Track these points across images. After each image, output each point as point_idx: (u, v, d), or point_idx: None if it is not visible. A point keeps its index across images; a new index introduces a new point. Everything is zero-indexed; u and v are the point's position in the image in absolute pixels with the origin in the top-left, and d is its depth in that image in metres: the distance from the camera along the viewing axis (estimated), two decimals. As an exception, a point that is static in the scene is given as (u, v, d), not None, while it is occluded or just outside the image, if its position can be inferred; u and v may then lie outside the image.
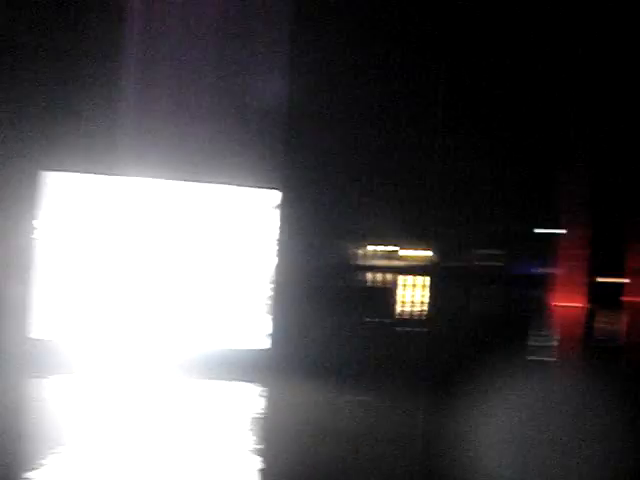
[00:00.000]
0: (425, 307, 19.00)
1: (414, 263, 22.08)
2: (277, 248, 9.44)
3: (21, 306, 8.79)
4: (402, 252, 22.31)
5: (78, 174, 8.97)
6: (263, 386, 8.74)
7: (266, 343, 9.33)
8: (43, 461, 5.72)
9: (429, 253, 21.34)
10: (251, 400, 8.27)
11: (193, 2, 11.38)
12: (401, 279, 22.11)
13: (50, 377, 8.31)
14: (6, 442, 6.26)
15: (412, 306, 18.91)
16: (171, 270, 9.06)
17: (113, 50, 11.15)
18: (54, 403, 7.62)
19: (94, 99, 11.01)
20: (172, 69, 11.09)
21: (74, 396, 7.94)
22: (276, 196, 9.43)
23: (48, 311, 8.76)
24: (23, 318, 8.75)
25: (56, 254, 8.80)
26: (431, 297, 20.40)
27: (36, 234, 8.74)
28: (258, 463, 6.16)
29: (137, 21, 11.13)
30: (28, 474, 5.49)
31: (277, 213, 9.42)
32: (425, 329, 15.37)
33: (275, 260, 9.42)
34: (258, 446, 6.66)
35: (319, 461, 6.17)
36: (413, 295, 21.23)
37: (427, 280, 21.82)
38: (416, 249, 22.04)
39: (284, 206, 9.54)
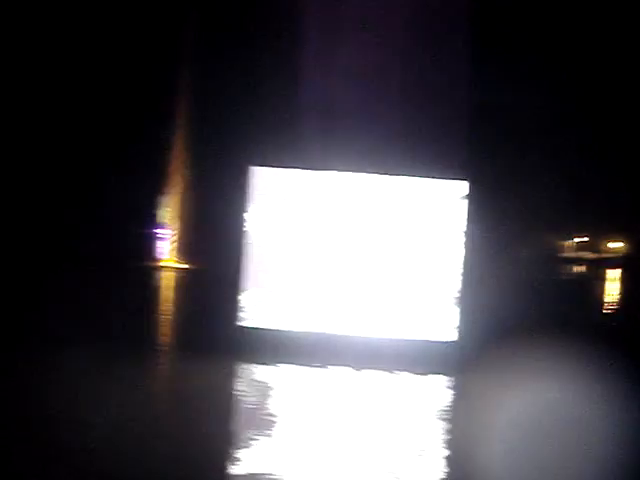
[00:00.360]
0: (629, 300, 18.07)
1: (615, 255, 21.08)
2: (468, 240, 9.35)
3: (232, 295, 9.28)
4: (603, 244, 21.35)
5: (283, 169, 9.37)
6: (452, 379, 8.71)
7: (454, 335, 9.26)
8: (251, 442, 6.08)
9: (631, 245, 20.29)
10: (441, 393, 8.27)
11: None
12: (602, 271, 21.18)
13: (259, 365, 8.73)
14: (216, 427, 6.63)
15: (615, 299, 18.08)
16: (365, 262, 9.24)
17: (313, 48, 11.51)
18: (260, 389, 7.94)
19: (295, 96, 11.43)
20: (364, 65, 11.29)
21: (278, 383, 8.30)
22: (466, 187, 9.34)
23: (257, 300, 9.20)
24: (233, 307, 9.24)
25: (265, 245, 9.22)
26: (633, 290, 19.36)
27: (246, 226, 9.20)
28: (454, 458, 6.14)
29: (328, 20, 11.41)
30: (238, 453, 5.87)
31: (467, 205, 9.32)
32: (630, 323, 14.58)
33: (465, 252, 9.33)
34: (451, 440, 6.64)
35: (519, 457, 6.01)
36: (616, 288, 20.29)
37: (630, 272, 20.75)
38: (618, 241, 21.02)
39: (475, 197, 9.42)
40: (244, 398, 7.69)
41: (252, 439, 6.20)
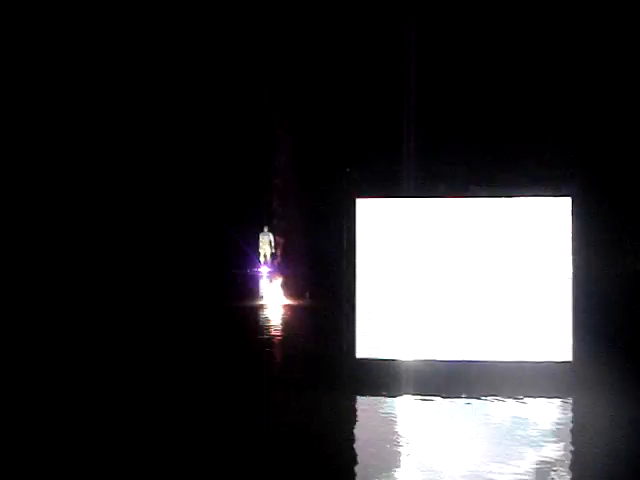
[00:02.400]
0: None
1: None
2: (577, 257, 9.26)
3: (346, 327, 9.42)
4: None
5: (390, 198, 9.51)
6: (570, 400, 8.59)
7: (569, 355, 9.16)
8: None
9: None
10: (558, 415, 8.18)
11: None
12: None
13: (379, 398, 8.80)
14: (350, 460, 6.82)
15: None
16: (476, 285, 9.26)
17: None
18: (386, 422, 8.04)
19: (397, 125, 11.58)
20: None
21: (402, 415, 8.38)
22: (571, 204, 9.27)
23: (371, 332, 9.32)
24: (349, 339, 9.37)
25: (376, 276, 9.36)
26: None
27: (357, 258, 9.35)
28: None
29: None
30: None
31: (573, 222, 9.25)
32: None
33: (576, 269, 9.24)
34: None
35: None
36: None
37: None
38: None
39: (582, 214, 9.34)
40: (371, 430, 7.78)
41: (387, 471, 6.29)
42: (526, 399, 8.65)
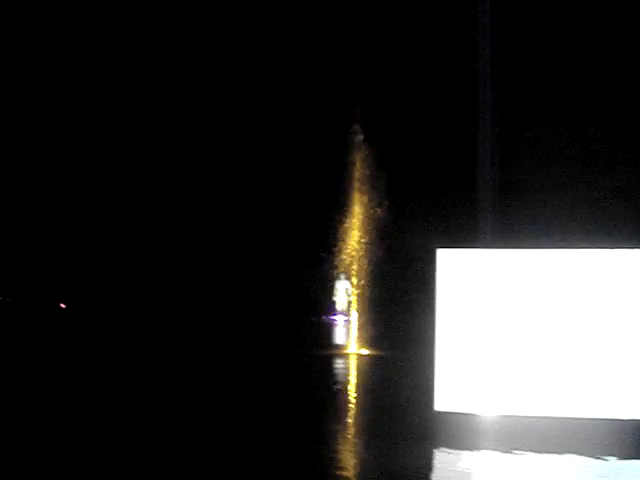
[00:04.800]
0: None
1: None
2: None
3: (426, 378, 9.32)
4: None
5: (470, 249, 9.51)
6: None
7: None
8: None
9: None
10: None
11: None
12: None
13: (459, 452, 8.54)
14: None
15: None
16: (564, 338, 9.08)
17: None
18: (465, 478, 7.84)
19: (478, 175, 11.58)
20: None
21: (483, 471, 8.17)
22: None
23: (453, 383, 9.20)
24: (429, 390, 9.27)
25: (457, 326, 9.28)
26: None
27: (436, 308, 9.30)
28: None
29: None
30: None
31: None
32: None
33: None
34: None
35: None
36: None
37: None
38: None
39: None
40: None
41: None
42: (606, 457, 8.34)
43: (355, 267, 20.16)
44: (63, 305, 32.43)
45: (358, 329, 19.37)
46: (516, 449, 8.54)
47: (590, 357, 9.05)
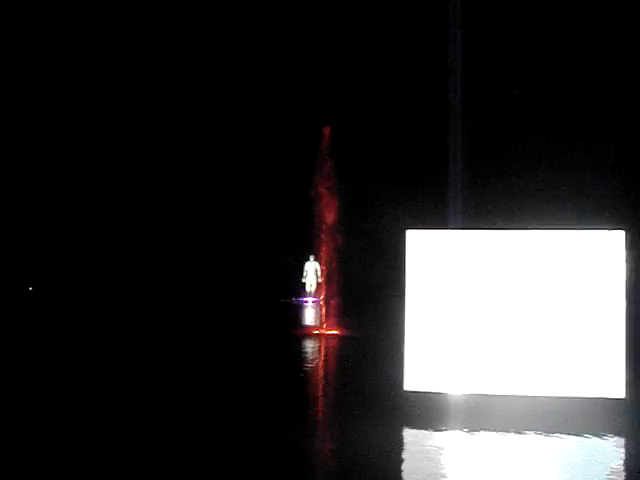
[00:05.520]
0: None
1: None
2: (630, 290, 9.09)
3: (395, 358, 9.37)
4: None
5: (440, 230, 9.62)
6: (623, 441, 8.37)
7: (621, 392, 8.95)
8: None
9: None
10: (611, 456, 7.96)
11: None
12: None
13: (428, 431, 8.62)
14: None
15: None
16: (527, 318, 9.15)
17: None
18: (433, 457, 7.82)
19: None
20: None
21: (451, 450, 8.18)
22: (622, 237, 9.13)
23: (422, 363, 9.24)
24: (398, 370, 9.32)
25: (426, 308, 9.31)
26: None
27: (406, 289, 9.32)
28: None
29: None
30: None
31: (626, 255, 9.09)
32: None
33: (629, 303, 9.07)
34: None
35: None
36: None
37: None
38: None
39: (634, 246, 9.18)
40: (417, 465, 7.68)
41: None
42: (568, 436, 8.44)
43: (324, 248, 20.16)
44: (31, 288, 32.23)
45: (328, 310, 19.40)
46: (483, 428, 8.62)
47: (557, 336, 9.15)
